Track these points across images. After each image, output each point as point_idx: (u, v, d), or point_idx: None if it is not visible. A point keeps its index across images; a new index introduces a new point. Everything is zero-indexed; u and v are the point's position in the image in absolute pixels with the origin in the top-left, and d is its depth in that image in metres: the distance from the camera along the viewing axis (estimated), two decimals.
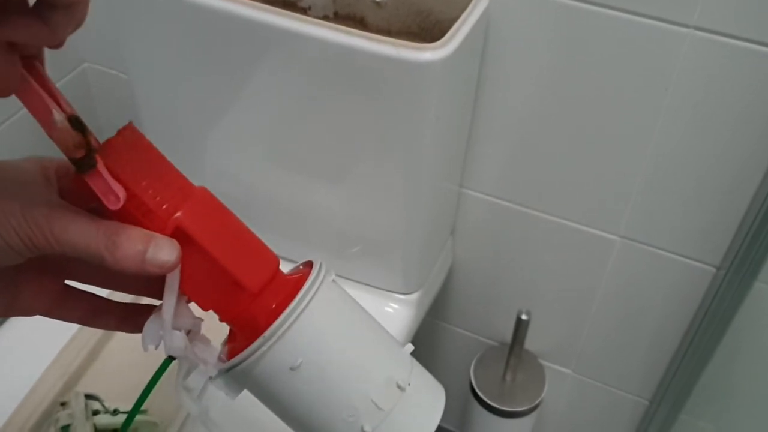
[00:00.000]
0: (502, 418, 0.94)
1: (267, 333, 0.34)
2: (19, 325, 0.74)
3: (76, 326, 0.69)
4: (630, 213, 0.80)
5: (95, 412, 0.63)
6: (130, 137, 0.33)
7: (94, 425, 0.62)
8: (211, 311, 0.37)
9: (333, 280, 0.38)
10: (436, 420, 0.38)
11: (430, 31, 0.70)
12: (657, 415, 0.91)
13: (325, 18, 0.73)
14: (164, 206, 0.33)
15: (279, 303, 0.35)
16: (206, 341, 0.38)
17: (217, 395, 0.37)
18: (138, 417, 0.63)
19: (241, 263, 0.34)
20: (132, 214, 0.32)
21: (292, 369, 0.35)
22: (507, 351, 0.95)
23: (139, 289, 0.39)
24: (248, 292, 0.35)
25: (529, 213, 0.85)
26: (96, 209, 0.32)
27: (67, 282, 0.38)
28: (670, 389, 0.87)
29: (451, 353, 1.07)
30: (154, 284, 0.35)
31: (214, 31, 0.66)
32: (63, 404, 0.63)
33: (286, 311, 0.35)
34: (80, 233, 0.31)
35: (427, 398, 0.39)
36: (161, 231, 0.33)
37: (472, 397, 0.96)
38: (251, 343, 0.35)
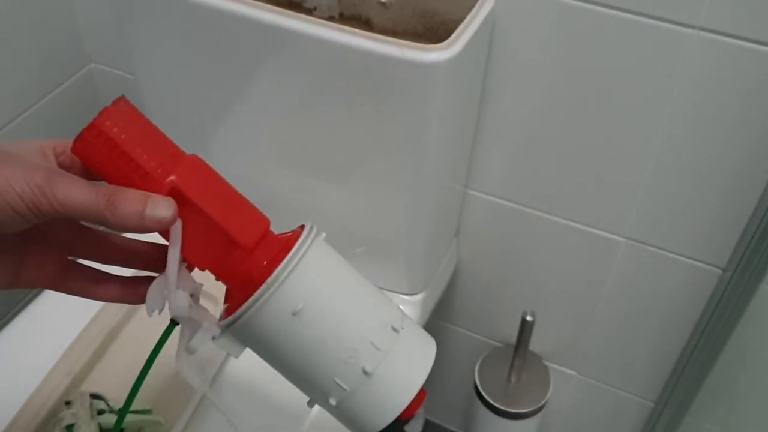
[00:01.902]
0: (506, 419, 0.94)
1: (270, 279, 0.36)
2: (24, 324, 0.74)
3: (81, 325, 0.70)
4: (635, 214, 0.79)
5: (100, 412, 0.63)
6: (124, 108, 0.35)
7: (99, 425, 0.62)
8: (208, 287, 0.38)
9: (325, 238, 0.40)
10: (429, 363, 0.40)
11: (435, 31, 0.70)
12: (662, 417, 0.91)
13: (331, 19, 0.73)
14: (159, 170, 0.35)
15: (272, 259, 0.37)
16: (205, 309, 0.39)
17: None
18: (143, 416, 0.63)
19: (234, 221, 0.37)
20: (129, 177, 0.34)
21: (294, 314, 0.36)
22: (512, 352, 0.95)
23: (139, 264, 0.41)
24: (242, 248, 0.37)
25: (534, 214, 0.85)
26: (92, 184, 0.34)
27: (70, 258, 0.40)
28: (676, 391, 0.87)
29: (456, 354, 1.07)
30: (154, 258, 0.38)
31: (220, 32, 0.67)
32: (68, 403, 0.63)
33: (286, 258, 0.37)
34: (81, 196, 0.33)
35: (419, 343, 0.41)
36: (158, 192, 0.35)
37: (476, 399, 0.95)
38: (248, 298, 0.36)
